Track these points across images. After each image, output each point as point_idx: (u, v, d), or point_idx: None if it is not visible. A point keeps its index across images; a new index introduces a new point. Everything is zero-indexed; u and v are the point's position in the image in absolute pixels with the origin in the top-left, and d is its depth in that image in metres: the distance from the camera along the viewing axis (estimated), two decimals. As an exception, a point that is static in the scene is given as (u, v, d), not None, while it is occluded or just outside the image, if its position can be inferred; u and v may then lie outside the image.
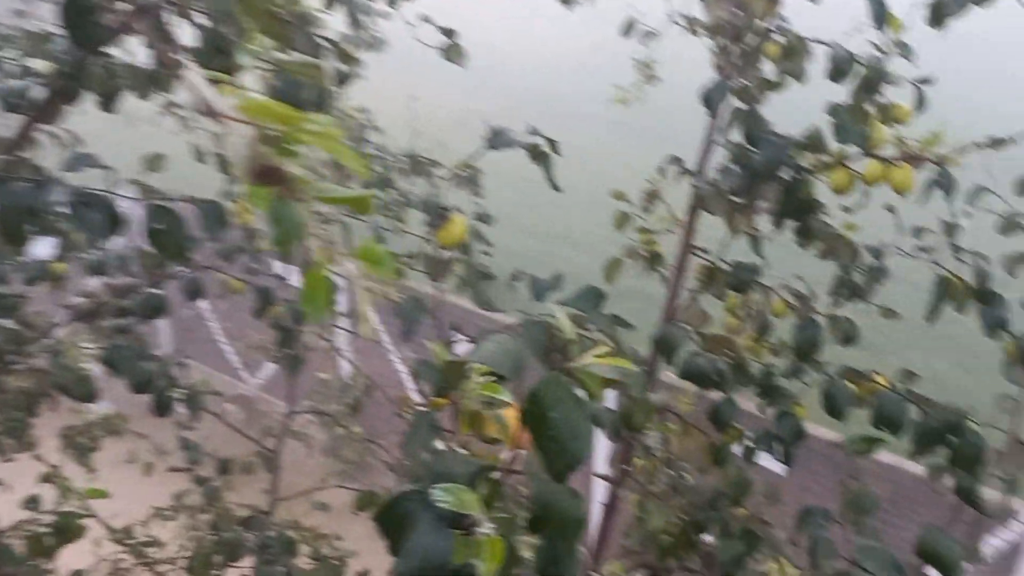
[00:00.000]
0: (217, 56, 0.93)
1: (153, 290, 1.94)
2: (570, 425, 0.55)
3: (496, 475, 0.61)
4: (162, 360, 1.99)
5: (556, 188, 1.58)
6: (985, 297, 1.35)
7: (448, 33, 2.27)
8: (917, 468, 5.45)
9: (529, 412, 0.54)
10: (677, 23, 2.18)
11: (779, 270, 1.70)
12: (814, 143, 1.36)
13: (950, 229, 1.58)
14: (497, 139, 1.16)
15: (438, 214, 1.05)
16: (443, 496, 0.56)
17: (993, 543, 4.33)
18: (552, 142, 1.50)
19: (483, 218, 3.05)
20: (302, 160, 0.43)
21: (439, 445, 0.68)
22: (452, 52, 2.25)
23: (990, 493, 1.56)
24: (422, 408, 0.81)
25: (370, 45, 3.48)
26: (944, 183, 1.25)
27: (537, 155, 1.51)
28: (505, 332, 0.99)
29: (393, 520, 0.61)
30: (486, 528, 0.55)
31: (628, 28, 2.72)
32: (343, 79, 3.59)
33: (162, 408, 1.77)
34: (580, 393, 0.61)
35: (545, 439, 0.54)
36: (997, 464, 1.49)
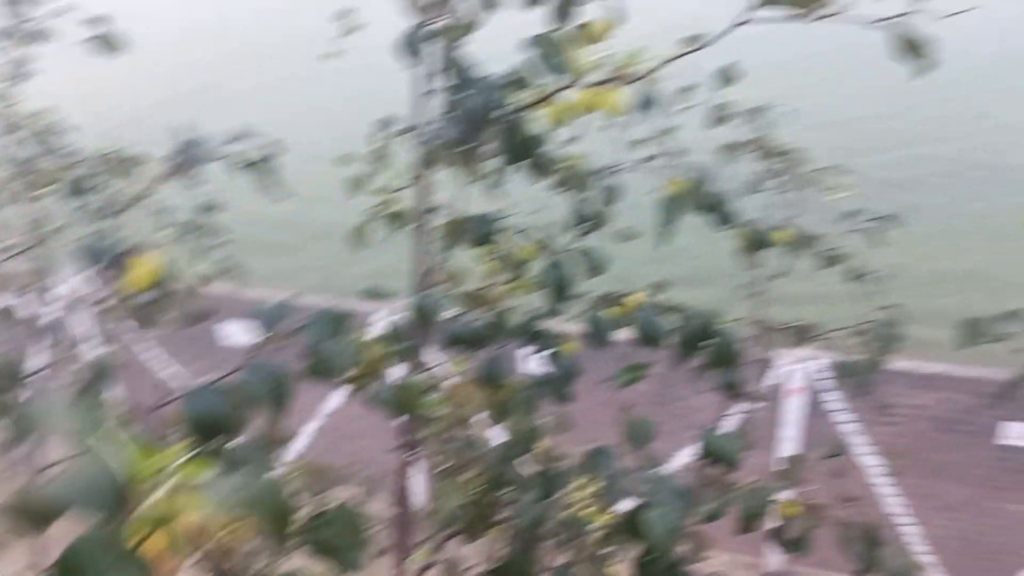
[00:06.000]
0: None
1: None
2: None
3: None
4: None
5: (276, 196, 1.43)
6: (711, 202, 1.38)
7: (99, 22, 1.91)
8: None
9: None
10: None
11: (529, 204, 1.68)
12: (518, 81, 1.31)
13: (663, 137, 1.62)
14: (192, 154, 0.98)
15: (112, 262, 0.85)
16: None
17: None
18: (268, 147, 1.32)
19: (207, 208, 2.80)
20: None
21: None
22: (106, 43, 1.92)
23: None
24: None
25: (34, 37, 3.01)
26: (646, 101, 1.25)
27: (251, 165, 1.34)
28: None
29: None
30: None
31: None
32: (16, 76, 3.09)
33: None
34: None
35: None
36: (751, 348, 1.57)
